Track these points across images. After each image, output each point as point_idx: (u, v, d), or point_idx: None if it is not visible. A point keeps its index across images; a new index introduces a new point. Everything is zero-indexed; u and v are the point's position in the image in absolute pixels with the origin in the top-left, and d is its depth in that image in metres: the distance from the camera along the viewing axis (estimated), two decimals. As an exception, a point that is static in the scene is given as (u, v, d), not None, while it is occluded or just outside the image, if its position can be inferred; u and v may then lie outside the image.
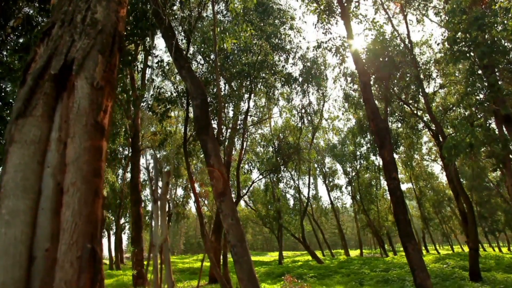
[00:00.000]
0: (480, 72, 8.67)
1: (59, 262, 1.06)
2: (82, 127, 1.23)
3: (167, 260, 1.03)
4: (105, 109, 1.30)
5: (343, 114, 28.83)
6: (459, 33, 8.36)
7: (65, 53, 1.30)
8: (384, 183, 34.06)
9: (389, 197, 34.62)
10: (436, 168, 71.70)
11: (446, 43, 9.74)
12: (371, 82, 10.06)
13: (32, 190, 1.13)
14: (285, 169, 26.01)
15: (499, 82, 8.60)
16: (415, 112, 16.33)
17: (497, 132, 8.88)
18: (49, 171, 1.19)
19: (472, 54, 8.79)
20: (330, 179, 36.08)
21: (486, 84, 8.19)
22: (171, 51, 6.57)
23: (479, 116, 11.39)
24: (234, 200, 12.73)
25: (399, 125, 21.80)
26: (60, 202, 1.15)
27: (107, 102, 1.32)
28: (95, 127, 1.25)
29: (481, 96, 8.54)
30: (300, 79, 20.94)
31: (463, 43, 8.32)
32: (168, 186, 1.16)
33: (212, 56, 13.47)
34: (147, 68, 14.36)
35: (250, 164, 21.33)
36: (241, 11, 8.95)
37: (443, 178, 41.93)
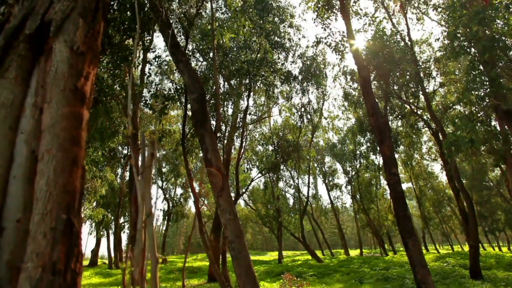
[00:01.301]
0: (481, 67, 8.59)
1: (31, 233, 0.98)
2: (60, 91, 1.14)
3: (151, 235, 0.96)
4: (87, 75, 1.22)
5: (343, 113, 28.81)
6: (460, 28, 8.28)
7: (42, 14, 1.21)
8: (384, 182, 34.00)
9: (389, 197, 34.60)
10: (436, 167, 71.70)
11: (446, 39, 9.66)
12: (371, 79, 9.97)
13: (2, 156, 1.04)
14: (284, 168, 25.94)
15: (500, 80, 8.52)
16: (415, 110, 16.25)
17: (497, 128, 8.80)
18: (22, 137, 1.10)
19: (472, 49, 8.72)
20: (330, 179, 36.03)
21: (486, 79, 8.11)
22: (167, 41, 6.48)
23: (479, 114, 11.31)
24: (233, 198, 12.63)
25: (399, 123, 21.74)
26: (34, 170, 1.07)
27: (88, 68, 1.23)
28: (74, 92, 1.16)
29: (482, 91, 8.46)
30: (300, 77, 20.88)
31: (464, 38, 8.24)
32: (153, 157, 1.08)
33: (211, 54, 13.38)
34: (146, 65, 14.29)
35: (249, 162, 21.24)
36: (239, 5, 8.86)
37: (443, 177, 41.94)
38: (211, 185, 6.55)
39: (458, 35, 8.15)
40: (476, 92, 8.49)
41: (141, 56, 13.55)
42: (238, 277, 6.04)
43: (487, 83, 8.38)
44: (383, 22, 12.21)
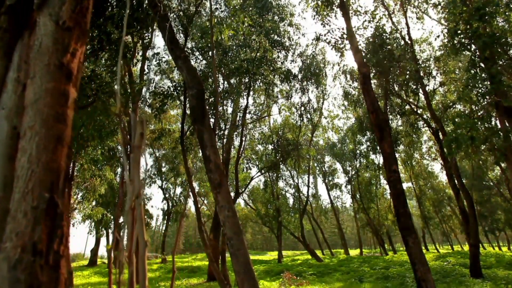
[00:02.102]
0: (481, 64, 8.54)
1: (11, 212, 0.93)
2: (44, 66, 1.09)
3: (140, 216, 0.90)
4: (73, 52, 1.17)
5: (342, 112, 28.79)
6: (460, 25, 8.23)
7: (25, -15, 1.16)
8: (384, 182, 33.96)
9: (388, 196, 34.51)
10: (436, 167, 71.73)
11: (446, 36, 9.62)
12: (371, 76, 9.90)
13: (-19, 132, 0.99)
14: (284, 167, 25.87)
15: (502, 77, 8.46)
16: (415, 109, 16.19)
17: (498, 125, 8.75)
18: (3, 113, 1.05)
19: (473, 46, 8.67)
20: (330, 178, 35.99)
21: (487, 76, 8.07)
22: (166, 37, 6.43)
23: (480, 113, 11.25)
24: (232, 196, 12.57)
25: (399, 122, 21.70)
26: (15, 147, 1.01)
27: (75, 45, 1.18)
28: (60, 68, 1.11)
29: (482, 89, 8.40)
30: (300, 76, 20.85)
31: (464, 34, 8.19)
32: (143, 137, 1.03)
33: (210, 53, 13.32)
34: (145, 62, 14.24)
35: (249, 161, 21.17)
36: (239, 3, 8.81)
37: (443, 177, 41.89)
38: (210, 182, 6.49)
39: (459, 31, 8.10)
40: (477, 89, 8.44)
41: (141, 52, 13.51)
42: (237, 274, 5.98)
43: (487, 81, 8.34)
44: (383, 20, 12.14)
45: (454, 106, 17.13)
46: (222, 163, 7.19)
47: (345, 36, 10.01)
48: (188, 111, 11.57)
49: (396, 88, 15.45)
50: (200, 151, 11.67)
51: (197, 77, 6.96)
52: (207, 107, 11.29)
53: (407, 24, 14.41)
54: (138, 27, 8.24)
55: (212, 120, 11.88)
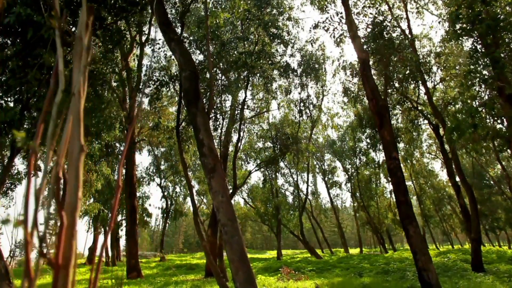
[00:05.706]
0: (484, 50, 8.33)
1: None
2: None
3: (77, 117, 0.69)
4: None
5: (342, 109, 28.60)
6: (462, 9, 8.03)
7: None
8: (384, 180, 33.75)
9: (389, 195, 34.17)
10: (436, 166, 71.58)
11: (447, 20, 9.41)
12: (370, 64, 9.68)
13: None
14: (283, 164, 25.61)
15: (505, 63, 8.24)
16: (416, 106, 15.97)
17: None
18: None
19: (475, 32, 8.46)
20: (329, 176, 35.77)
21: (489, 61, 7.85)
22: (159, 19, 6.22)
23: (483, 100, 11.01)
24: (230, 191, 12.33)
25: (399, 119, 21.46)
26: None
27: None
28: None
29: (485, 75, 8.18)
30: (299, 71, 20.64)
31: (466, 19, 7.98)
32: (87, 27, 0.81)
33: (209, 48, 13.09)
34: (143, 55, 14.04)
35: (247, 156, 20.93)
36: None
37: (443, 176, 41.62)
38: (203, 167, 6.27)
39: (460, 16, 7.89)
40: (479, 76, 8.22)
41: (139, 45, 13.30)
42: (231, 263, 5.73)
43: (490, 67, 8.12)
44: (383, 8, 11.93)
45: (454, 102, 16.92)
46: (216, 148, 6.97)
47: (343, 20, 9.79)
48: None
49: (397, 85, 15.24)
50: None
51: (190, 59, 6.76)
52: (204, 101, 11.08)
53: (407, 18, 14.22)
54: (132, 11, 8.03)
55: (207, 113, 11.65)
